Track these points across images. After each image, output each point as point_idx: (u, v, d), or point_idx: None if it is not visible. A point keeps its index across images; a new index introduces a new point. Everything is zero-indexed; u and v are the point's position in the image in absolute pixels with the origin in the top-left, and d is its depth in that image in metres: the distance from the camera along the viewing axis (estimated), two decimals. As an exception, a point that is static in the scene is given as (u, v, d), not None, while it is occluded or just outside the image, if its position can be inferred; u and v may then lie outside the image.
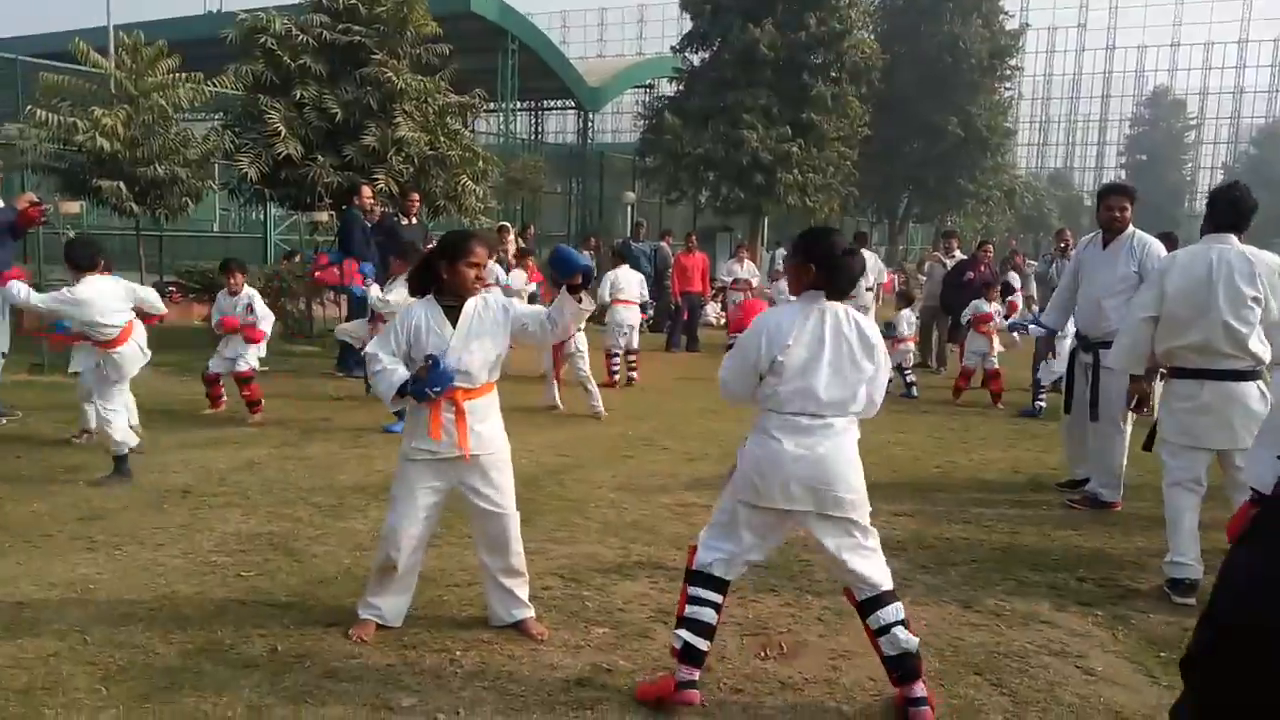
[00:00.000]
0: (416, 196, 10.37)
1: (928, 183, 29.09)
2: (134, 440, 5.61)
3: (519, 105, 26.30)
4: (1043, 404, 8.67)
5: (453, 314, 3.34)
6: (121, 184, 10.25)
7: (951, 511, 5.34)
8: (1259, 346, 4.11)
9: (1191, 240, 4.96)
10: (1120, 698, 3.14)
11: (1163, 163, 59.42)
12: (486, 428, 3.39)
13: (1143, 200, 6.19)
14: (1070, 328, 6.29)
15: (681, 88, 21.44)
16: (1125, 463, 5.44)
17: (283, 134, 10.85)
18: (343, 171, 11.11)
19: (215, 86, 11.09)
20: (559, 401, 8.28)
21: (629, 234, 16.28)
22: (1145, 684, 3.23)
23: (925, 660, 3.19)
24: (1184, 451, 4.21)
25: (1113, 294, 5.37)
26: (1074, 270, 5.85)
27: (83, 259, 5.53)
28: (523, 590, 3.53)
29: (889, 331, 9.64)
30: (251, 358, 7.28)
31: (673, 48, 22.47)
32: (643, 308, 10.17)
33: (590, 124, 30.30)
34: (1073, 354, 5.81)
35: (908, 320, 10.14)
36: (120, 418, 5.52)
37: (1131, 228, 5.49)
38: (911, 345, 10.24)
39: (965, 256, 11.76)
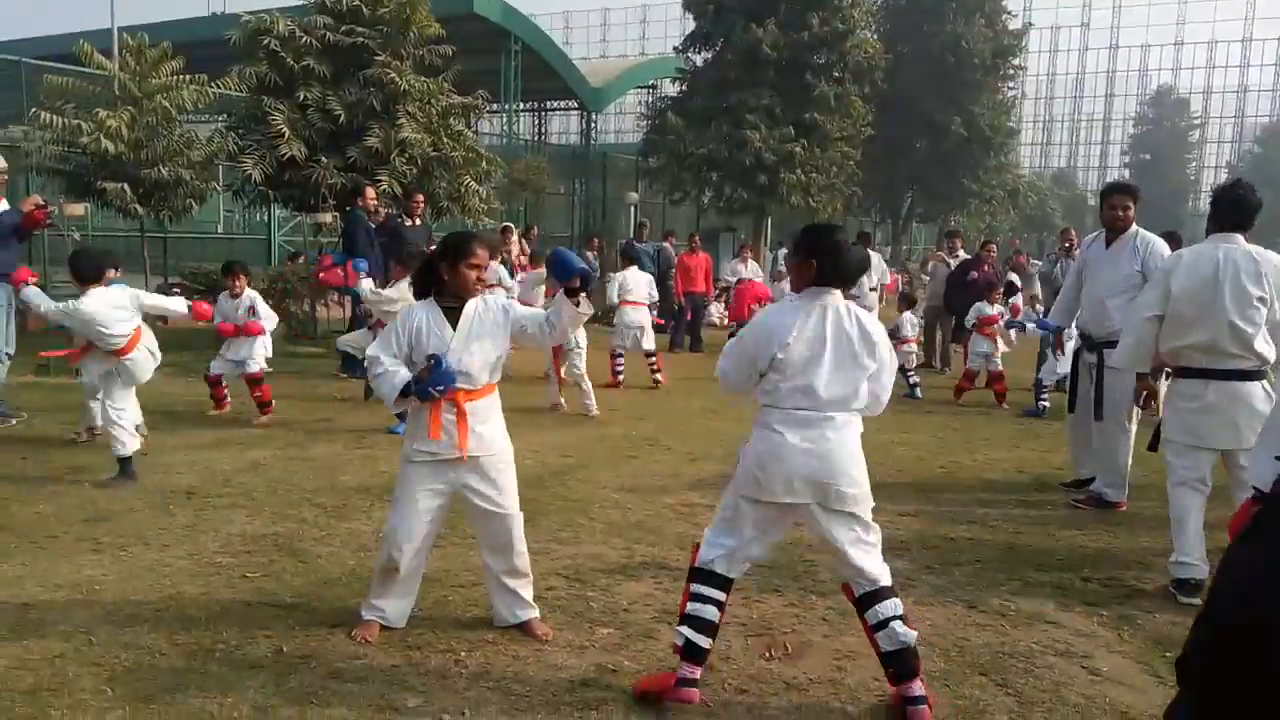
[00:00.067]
0: (421, 198, 10.38)
1: (931, 182, 29.02)
2: (137, 443, 5.61)
3: (522, 106, 26.33)
4: (1046, 404, 8.66)
5: (453, 315, 3.35)
6: (126, 186, 10.28)
7: (956, 511, 5.33)
8: (1264, 346, 4.11)
9: (1195, 239, 4.95)
10: (1126, 698, 3.13)
11: (1166, 162, 59.27)
12: (488, 429, 3.39)
13: (1146, 199, 6.18)
14: (1073, 329, 6.28)
15: (684, 88, 21.41)
16: (1130, 462, 5.43)
17: (286, 135, 10.87)
18: (346, 173, 11.12)
19: (219, 88, 11.14)
20: (562, 400, 8.29)
21: (632, 234, 16.28)
22: (1151, 684, 3.23)
23: (930, 660, 3.19)
24: (1189, 451, 4.21)
25: (1116, 293, 5.36)
26: (1078, 270, 5.84)
27: (87, 271, 5.50)
28: (527, 591, 3.53)
29: (892, 334, 9.64)
30: (260, 359, 7.29)
31: (675, 48, 22.45)
32: (650, 307, 10.15)
33: (593, 125, 30.29)
34: (1077, 353, 5.80)
35: (910, 322, 10.13)
36: (128, 418, 5.53)
37: (1135, 227, 5.48)
38: (914, 346, 10.23)
39: (969, 256, 11.75)
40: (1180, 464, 4.22)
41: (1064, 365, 7.73)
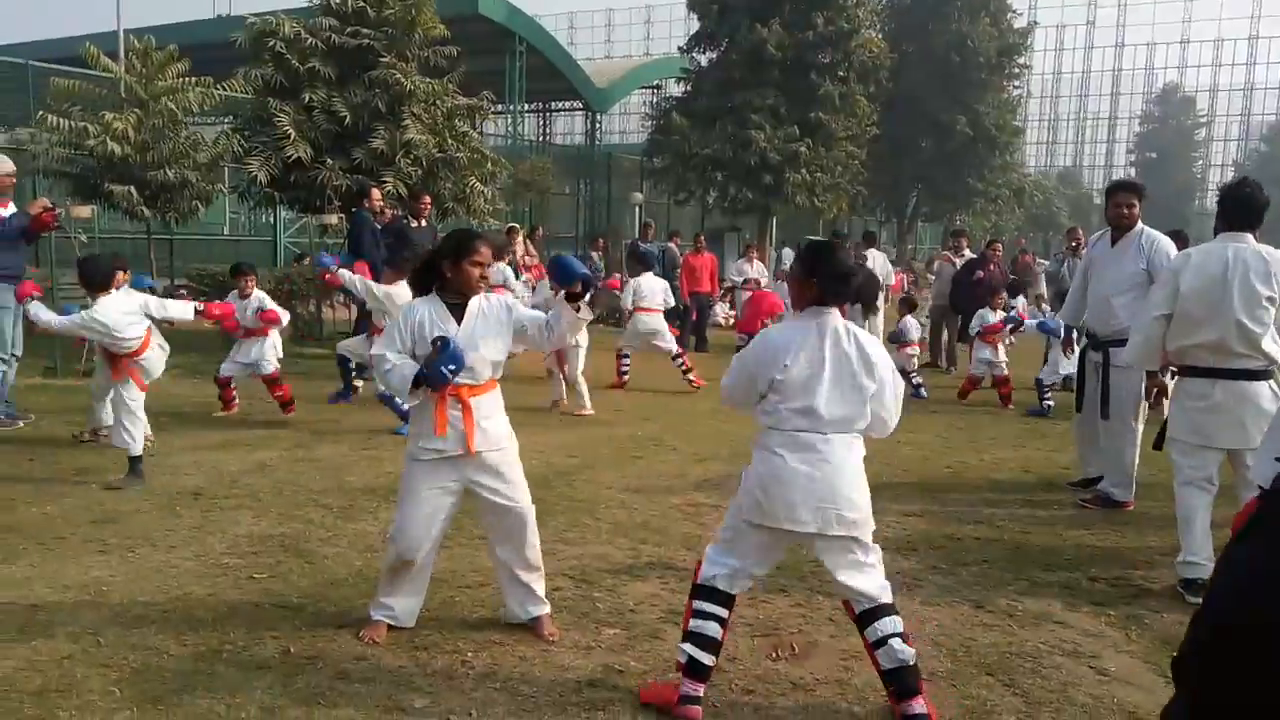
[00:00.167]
0: (428, 199, 10.39)
1: (936, 182, 29.00)
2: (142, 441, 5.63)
3: (527, 107, 26.38)
4: (1050, 402, 8.64)
5: (456, 312, 3.35)
6: (132, 188, 10.31)
7: (962, 511, 5.33)
8: (1272, 346, 4.09)
9: (1202, 238, 4.94)
10: (1134, 698, 3.12)
11: (1172, 160, 59.15)
12: (493, 424, 3.40)
13: (1152, 198, 6.16)
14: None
15: (689, 88, 21.42)
16: (1137, 461, 5.42)
17: (292, 137, 10.90)
18: (352, 174, 11.15)
19: (225, 90, 11.18)
20: (565, 398, 8.29)
21: (637, 235, 16.28)
22: (1159, 684, 3.21)
23: (937, 660, 3.18)
24: (1195, 450, 4.19)
25: (1121, 291, 5.35)
26: (1085, 268, 5.83)
27: (96, 277, 5.53)
28: (539, 585, 3.52)
29: (896, 338, 9.63)
30: (271, 359, 7.32)
31: (680, 48, 22.45)
32: (666, 314, 10.09)
33: (598, 125, 30.33)
34: (1083, 352, 5.79)
35: (914, 326, 10.09)
36: (140, 409, 5.55)
37: (1140, 225, 5.46)
38: (917, 350, 10.20)
39: (974, 255, 11.73)
40: (1187, 463, 4.21)
41: (1065, 365, 7.73)
